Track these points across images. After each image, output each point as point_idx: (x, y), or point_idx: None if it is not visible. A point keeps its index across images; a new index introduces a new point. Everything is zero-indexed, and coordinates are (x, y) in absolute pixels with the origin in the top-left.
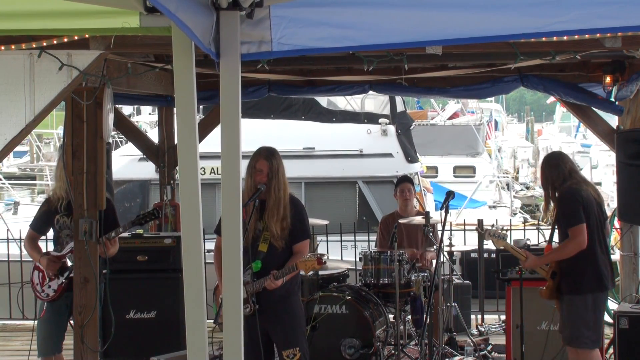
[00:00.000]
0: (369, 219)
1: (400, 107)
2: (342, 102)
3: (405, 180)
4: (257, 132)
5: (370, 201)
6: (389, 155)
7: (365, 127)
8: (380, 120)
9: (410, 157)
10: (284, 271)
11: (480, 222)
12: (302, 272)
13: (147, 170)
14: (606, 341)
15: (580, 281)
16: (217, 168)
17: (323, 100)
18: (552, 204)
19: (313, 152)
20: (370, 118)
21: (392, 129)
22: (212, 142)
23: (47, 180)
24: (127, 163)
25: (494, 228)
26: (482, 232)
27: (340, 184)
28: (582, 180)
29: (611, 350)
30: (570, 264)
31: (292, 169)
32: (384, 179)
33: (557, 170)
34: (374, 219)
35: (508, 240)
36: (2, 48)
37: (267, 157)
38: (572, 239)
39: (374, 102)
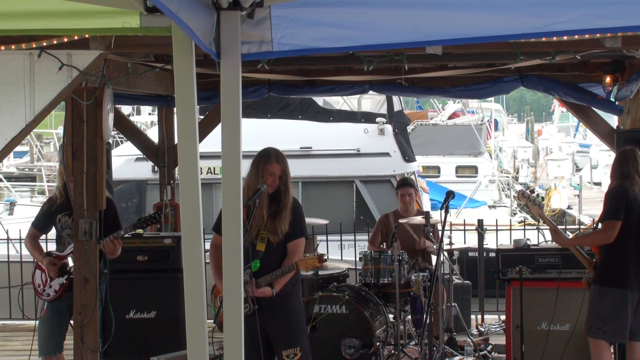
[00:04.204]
0: (366, 218)
1: (397, 107)
2: (339, 102)
3: (406, 185)
4: (254, 132)
5: (368, 200)
6: (386, 154)
7: (363, 126)
8: (378, 119)
9: (408, 156)
10: (278, 273)
11: (480, 222)
12: (302, 272)
13: (144, 170)
14: None
15: (605, 274)
16: (214, 168)
17: (320, 100)
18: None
19: (310, 152)
20: (368, 117)
21: (389, 128)
22: (209, 142)
23: (46, 181)
24: (124, 163)
25: (533, 194)
26: (483, 231)
27: (338, 183)
28: (636, 182)
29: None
30: (602, 256)
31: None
32: (381, 178)
33: (619, 168)
34: (372, 218)
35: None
36: (2, 48)
37: (279, 160)
38: (601, 230)
39: (371, 101)
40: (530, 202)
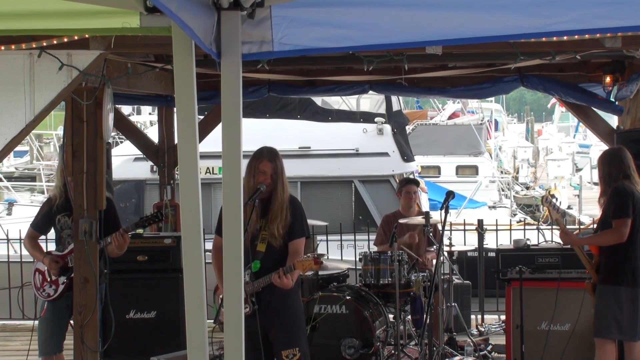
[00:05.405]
0: (365, 218)
1: (396, 106)
2: (338, 102)
3: (411, 183)
4: (252, 132)
5: (367, 200)
6: (385, 154)
7: (361, 126)
8: (376, 119)
9: (406, 156)
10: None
11: (480, 222)
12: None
13: (143, 170)
14: None
15: (615, 273)
16: (213, 168)
17: (318, 100)
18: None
19: (309, 152)
20: (366, 117)
21: (388, 128)
22: (209, 142)
23: (46, 181)
24: (123, 163)
25: (554, 200)
26: (482, 231)
27: (336, 183)
28: (637, 181)
29: None
30: (608, 256)
31: (288, 169)
32: (380, 178)
33: (617, 166)
34: (371, 218)
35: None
36: (2, 48)
37: (270, 159)
38: (614, 229)
39: (369, 101)
40: (551, 207)
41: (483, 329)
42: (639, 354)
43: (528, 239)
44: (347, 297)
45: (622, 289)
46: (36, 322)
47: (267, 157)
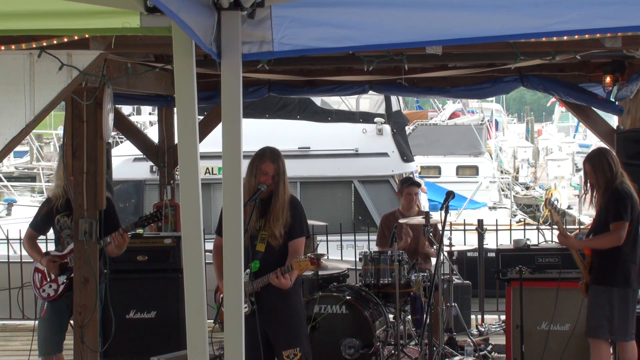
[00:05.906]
0: (365, 219)
1: (395, 107)
2: (337, 102)
3: (413, 184)
4: (252, 132)
5: (366, 200)
6: (385, 154)
7: (361, 126)
8: (376, 119)
9: (406, 156)
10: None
11: (480, 222)
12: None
13: (142, 171)
14: None
15: (607, 274)
16: (212, 168)
17: (318, 100)
18: (589, 198)
19: (308, 152)
20: (366, 117)
21: (387, 128)
22: (209, 142)
23: (46, 181)
24: (122, 163)
25: (556, 203)
26: (482, 231)
27: (336, 183)
28: (629, 180)
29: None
30: (601, 257)
31: (287, 169)
32: (379, 178)
33: (610, 167)
34: (370, 218)
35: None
36: (2, 48)
37: (273, 160)
38: (612, 232)
39: (369, 101)
40: (554, 210)
41: (483, 329)
42: (632, 354)
43: (528, 239)
44: (347, 297)
45: (615, 290)
46: (36, 322)
47: (269, 158)
